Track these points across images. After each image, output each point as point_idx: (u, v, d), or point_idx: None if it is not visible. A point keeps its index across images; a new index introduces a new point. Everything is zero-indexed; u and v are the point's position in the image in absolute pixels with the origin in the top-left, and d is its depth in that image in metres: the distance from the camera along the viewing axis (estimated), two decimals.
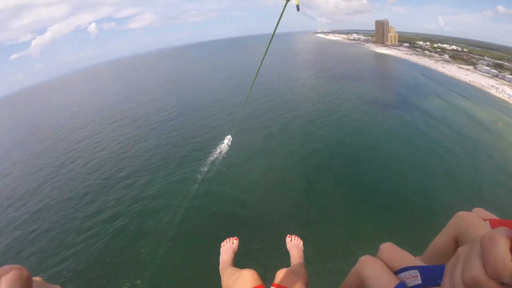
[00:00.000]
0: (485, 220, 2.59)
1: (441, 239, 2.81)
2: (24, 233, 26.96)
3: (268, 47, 5.08)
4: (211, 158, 34.76)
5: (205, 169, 32.50)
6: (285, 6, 3.65)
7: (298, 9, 3.54)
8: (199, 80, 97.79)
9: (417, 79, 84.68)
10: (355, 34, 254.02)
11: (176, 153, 38.17)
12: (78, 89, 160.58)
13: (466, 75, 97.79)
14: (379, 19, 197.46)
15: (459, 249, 0.83)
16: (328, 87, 69.35)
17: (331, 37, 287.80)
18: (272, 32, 4.51)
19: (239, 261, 3.41)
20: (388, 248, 2.51)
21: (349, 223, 23.14)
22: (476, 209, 2.87)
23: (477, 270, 0.68)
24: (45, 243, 24.87)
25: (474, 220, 2.52)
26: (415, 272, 2.08)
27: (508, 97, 73.05)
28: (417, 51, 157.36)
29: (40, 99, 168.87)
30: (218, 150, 36.79)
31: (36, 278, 0.80)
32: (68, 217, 27.94)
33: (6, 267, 0.67)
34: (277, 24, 4.35)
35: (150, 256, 21.11)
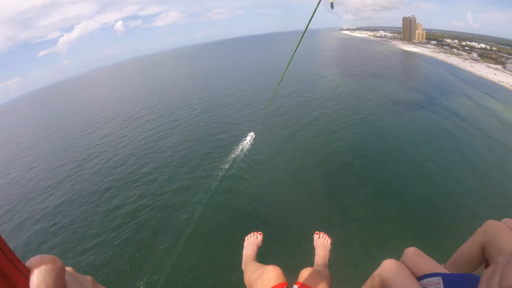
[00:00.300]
0: None
1: (467, 247, 2.78)
2: (46, 226, 27.69)
3: (298, 45, 5.01)
4: (232, 155, 34.70)
5: (226, 166, 32.42)
6: (318, 3, 3.59)
7: (332, 6, 3.49)
8: (223, 78, 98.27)
9: (444, 78, 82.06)
10: (382, 31, 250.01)
11: (198, 150, 38.32)
12: (104, 85, 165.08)
13: (495, 74, 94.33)
14: (406, 16, 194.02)
15: (499, 258, 0.85)
16: (354, 85, 68.20)
17: (356, 34, 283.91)
18: (301, 29, 4.48)
19: (257, 259, 3.30)
20: (412, 253, 2.54)
21: (370, 226, 22.46)
22: (506, 219, 2.79)
23: None
24: (66, 236, 25.42)
25: (504, 231, 2.48)
26: (438, 279, 2.12)
27: None
28: (445, 49, 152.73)
29: (67, 95, 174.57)
30: (240, 147, 36.65)
31: (68, 269, 0.78)
32: (90, 211, 28.50)
33: (38, 257, 0.65)
34: (309, 22, 4.29)
35: (168, 252, 21.20)
